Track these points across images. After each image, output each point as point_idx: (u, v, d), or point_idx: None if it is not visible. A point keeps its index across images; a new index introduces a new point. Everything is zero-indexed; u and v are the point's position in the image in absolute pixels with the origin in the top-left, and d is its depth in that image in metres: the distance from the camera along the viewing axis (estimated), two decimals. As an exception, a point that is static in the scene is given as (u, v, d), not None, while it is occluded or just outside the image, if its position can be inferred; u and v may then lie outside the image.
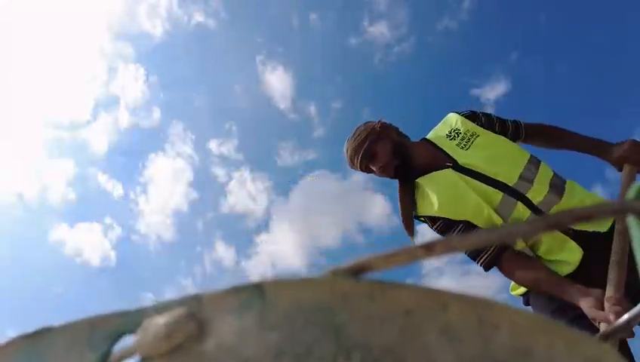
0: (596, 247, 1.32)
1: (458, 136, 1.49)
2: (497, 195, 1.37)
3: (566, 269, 1.33)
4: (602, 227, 1.34)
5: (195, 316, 0.22)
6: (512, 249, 1.36)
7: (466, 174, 1.41)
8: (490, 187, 1.39)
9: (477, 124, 1.51)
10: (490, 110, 1.58)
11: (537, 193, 1.38)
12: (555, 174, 1.46)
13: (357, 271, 0.20)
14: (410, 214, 1.49)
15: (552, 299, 1.33)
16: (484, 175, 1.40)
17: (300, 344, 0.19)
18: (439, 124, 1.61)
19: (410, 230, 1.49)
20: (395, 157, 1.51)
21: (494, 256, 1.35)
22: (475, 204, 1.38)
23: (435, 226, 1.45)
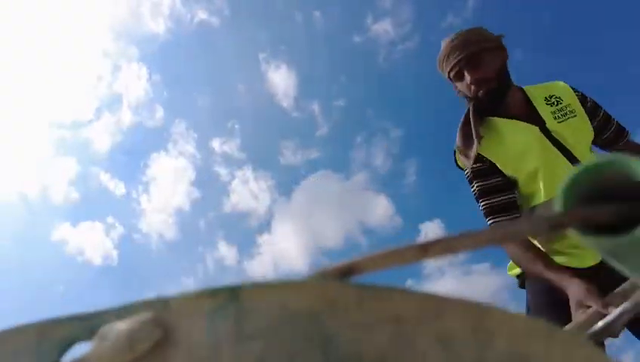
0: None
1: (558, 104, 1.38)
2: None
3: (581, 264, 1.30)
4: None
5: (162, 322, 0.20)
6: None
7: (550, 140, 1.32)
8: (570, 163, 1.30)
9: (582, 105, 1.40)
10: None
11: None
12: None
13: (346, 274, 0.19)
14: (479, 137, 1.34)
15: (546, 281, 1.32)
16: (569, 150, 1.32)
17: (283, 355, 0.18)
18: (544, 83, 1.47)
19: (471, 156, 1.33)
20: (497, 78, 1.33)
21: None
22: (533, 169, 1.31)
23: (476, 166, 1.35)
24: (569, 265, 1.32)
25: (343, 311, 0.18)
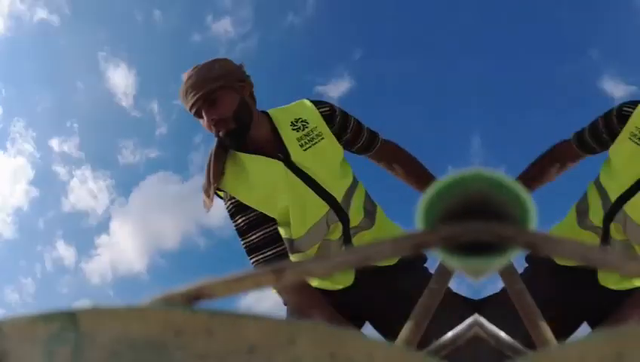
0: (373, 276, 1.32)
1: (304, 129, 1.33)
2: (323, 208, 1.29)
3: (333, 286, 1.35)
4: (393, 261, 1.34)
5: (-7, 349, 0.18)
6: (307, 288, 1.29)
7: (296, 174, 1.30)
8: (318, 197, 1.29)
9: (330, 125, 1.35)
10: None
11: (355, 216, 1.32)
12: (367, 197, 1.40)
13: (193, 299, 0.17)
14: (218, 178, 1.32)
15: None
16: (316, 182, 1.30)
17: (121, 392, 0.16)
18: (290, 104, 1.43)
19: (211, 196, 1.32)
20: (235, 118, 1.28)
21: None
22: (283, 208, 1.29)
23: (229, 203, 1.34)
24: (322, 287, 1.36)
25: (191, 340, 0.17)
